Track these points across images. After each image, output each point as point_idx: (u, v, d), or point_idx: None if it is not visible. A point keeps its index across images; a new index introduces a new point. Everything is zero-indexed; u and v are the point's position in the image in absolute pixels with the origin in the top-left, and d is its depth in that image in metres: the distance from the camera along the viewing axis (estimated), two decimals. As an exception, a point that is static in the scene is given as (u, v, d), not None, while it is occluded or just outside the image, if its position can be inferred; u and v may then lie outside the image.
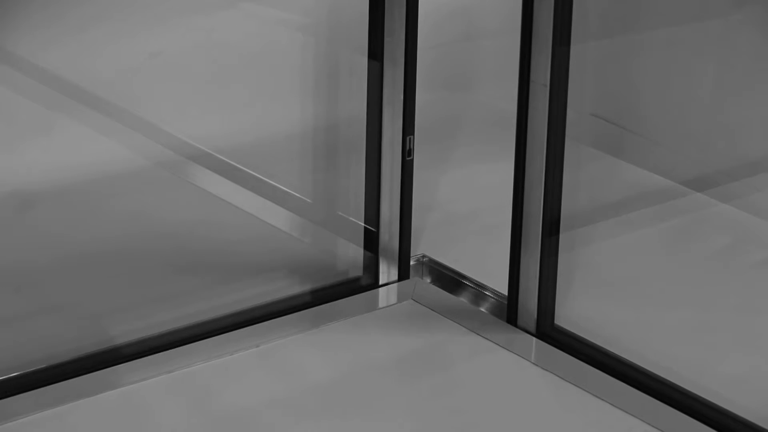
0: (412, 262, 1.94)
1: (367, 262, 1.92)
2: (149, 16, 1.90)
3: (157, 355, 1.71)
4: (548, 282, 1.77)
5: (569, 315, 1.79)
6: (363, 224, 1.93)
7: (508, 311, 1.80)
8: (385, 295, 1.90)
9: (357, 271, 1.94)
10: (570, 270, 1.86)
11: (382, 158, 1.86)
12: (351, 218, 1.97)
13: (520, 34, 1.69)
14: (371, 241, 1.91)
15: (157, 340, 1.73)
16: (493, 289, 1.86)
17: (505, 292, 1.81)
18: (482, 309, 1.86)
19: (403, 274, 1.92)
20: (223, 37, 1.97)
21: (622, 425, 1.60)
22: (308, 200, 2.02)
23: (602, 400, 1.64)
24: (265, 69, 1.99)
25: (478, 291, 1.87)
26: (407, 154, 1.86)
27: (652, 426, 1.59)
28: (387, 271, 1.92)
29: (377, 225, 1.90)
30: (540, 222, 1.74)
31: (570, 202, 1.78)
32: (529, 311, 1.78)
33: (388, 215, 1.89)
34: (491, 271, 1.88)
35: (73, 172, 1.88)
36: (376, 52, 1.82)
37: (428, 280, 1.95)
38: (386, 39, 1.81)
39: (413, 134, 1.86)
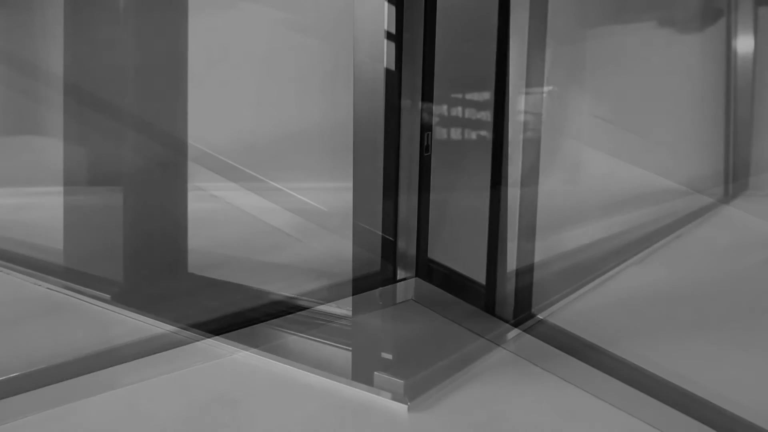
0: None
1: (376, 262, 1.93)
2: (149, 17, 1.90)
3: (157, 355, 1.71)
4: (526, 274, 1.78)
5: (548, 306, 1.79)
6: (367, 227, 1.94)
7: (486, 302, 1.81)
8: (386, 295, 1.90)
9: (357, 272, 1.94)
10: (552, 262, 1.87)
11: (400, 154, 1.86)
12: (354, 219, 1.98)
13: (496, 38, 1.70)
14: (386, 243, 1.91)
15: (157, 341, 1.73)
16: (478, 282, 1.87)
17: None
18: (468, 302, 1.86)
19: (420, 271, 1.92)
20: (223, 38, 1.97)
21: (622, 425, 1.60)
22: (310, 201, 2.02)
23: (603, 400, 1.64)
24: (266, 70, 1.99)
25: (468, 285, 1.88)
26: (425, 149, 1.87)
27: (652, 426, 1.59)
28: (395, 270, 1.92)
29: (394, 227, 1.90)
30: (517, 218, 1.76)
31: (559, 201, 1.79)
32: (507, 303, 1.79)
33: (405, 214, 1.89)
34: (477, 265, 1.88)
35: (73, 171, 1.88)
36: (396, 48, 1.82)
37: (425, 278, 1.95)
38: (405, 35, 1.81)
39: (431, 130, 1.87)
